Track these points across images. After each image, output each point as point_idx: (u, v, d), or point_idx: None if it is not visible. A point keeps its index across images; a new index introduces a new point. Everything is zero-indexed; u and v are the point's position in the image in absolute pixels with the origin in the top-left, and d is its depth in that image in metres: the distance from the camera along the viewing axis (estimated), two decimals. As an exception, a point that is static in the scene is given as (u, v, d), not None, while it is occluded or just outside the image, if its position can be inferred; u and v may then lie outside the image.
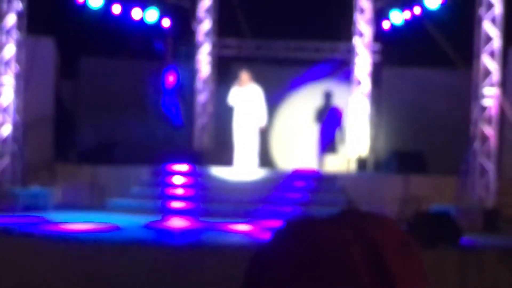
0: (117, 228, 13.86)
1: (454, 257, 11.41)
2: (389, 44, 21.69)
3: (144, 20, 21.12)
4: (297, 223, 1.82)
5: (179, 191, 17.18)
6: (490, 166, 15.33)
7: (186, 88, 21.85)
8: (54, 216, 15.45)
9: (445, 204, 15.09)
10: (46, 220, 14.58)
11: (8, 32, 16.73)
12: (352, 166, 20.36)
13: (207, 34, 21.92)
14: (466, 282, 11.33)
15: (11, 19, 16.69)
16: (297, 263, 1.71)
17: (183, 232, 14.21)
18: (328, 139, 20.05)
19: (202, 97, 21.80)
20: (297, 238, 1.77)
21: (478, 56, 15.47)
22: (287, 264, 1.71)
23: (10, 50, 16.74)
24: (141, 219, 15.12)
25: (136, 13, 20.89)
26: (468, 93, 15.83)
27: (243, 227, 14.62)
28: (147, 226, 14.38)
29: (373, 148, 21.74)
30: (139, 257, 11.29)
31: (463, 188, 15.51)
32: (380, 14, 21.29)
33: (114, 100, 20.65)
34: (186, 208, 16.42)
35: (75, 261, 11.32)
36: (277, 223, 14.97)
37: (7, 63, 16.76)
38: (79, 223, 14.17)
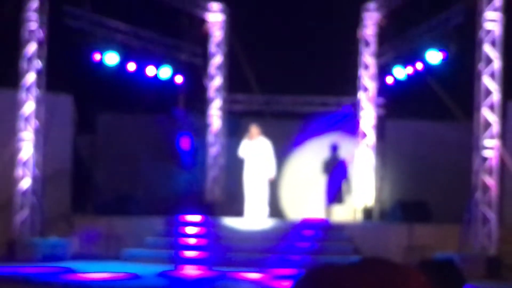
0: (135, 277, 13.89)
1: (458, 303, 11.39)
2: (392, 98, 21.79)
3: (158, 77, 21.28)
4: (319, 271, 1.86)
5: (192, 241, 17.18)
6: (492, 215, 15.34)
7: (198, 145, 21.96)
8: (72, 265, 15.50)
9: (448, 252, 15.09)
10: (65, 270, 14.62)
11: (28, 89, 16.90)
12: (359, 216, 20.41)
13: (218, 90, 22.11)
14: (470, 327, 11.31)
15: (31, 77, 16.87)
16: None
17: (196, 281, 14.21)
18: (335, 190, 20.09)
19: (213, 150, 21.92)
20: (320, 287, 1.80)
21: (478, 109, 15.55)
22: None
23: (30, 106, 16.89)
24: (156, 268, 15.15)
25: (150, 71, 21.05)
26: (469, 144, 15.89)
27: (254, 276, 14.62)
28: (162, 275, 14.41)
29: (378, 198, 21.80)
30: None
31: (466, 237, 15.50)
32: (383, 70, 21.42)
33: (129, 153, 20.77)
34: (199, 257, 16.41)
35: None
36: (287, 272, 15.00)
37: (27, 119, 16.91)
38: (97, 273, 14.20)
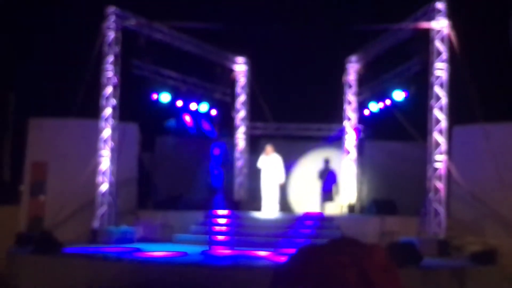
0: (184, 254, 13.93)
1: (417, 275, 11.39)
2: (368, 125, 21.84)
3: (198, 110, 21.40)
4: (306, 250, 1.91)
5: (222, 228, 17.20)
6: (441, 210, 15.32)
7: (228, 157, 21.99)
8: (138, 246, 15.57)
9: (410, 236, 15.05)
10: (133, 249, 14.69)
11: (106, 119, 17.03)
12: (345, 210, 20.39)
13: (242, 119, 22.21)
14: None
15: (108, 111, 17.01)
16: (305, 280, 1.77)
17: (224, 257, 14.19)
18: (327, 191, 20.11)
19: (239, 163, 22.01)
20: (305, 262, 1.84)
21: (431, 133, 15.56)
22: (297, 279, 1.78)
23: (107, 132, 17.02)
24: (197, 249, 15.19)
25: (193, 106, 21.18)
26: (424, 159, 15.87)
27: (267, 254, 14.61)
28: (202, 253, 14.44)
29: (358, 198, 21.80)
30: (199, 272, 11.38)
31: (422, 225, 15.47)
32: (362, 105, 21.50)
33: (179, 166, 20.85)
34: (227, 240, 16.42)
35: (156, 276, 11.41)
36: (292, 251, 14.99)
37: (105, 141, 17.03)
38: (156, 251, 14.26)
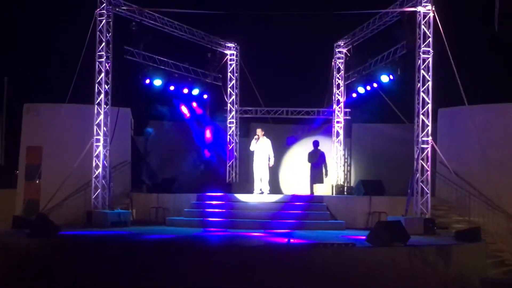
0: (179, 236, 13.84)
1: (404, 252, 11.45)
2: (356, 108, 21.89)
3: (191, 94, 21.38)
4: None
5: (215, 211, 17.18)
6: (427, 190, 15.39)
7: (219, 140, 22.01)
8: (132, 229, 15.55)
9: (397, 216, 15.11)
10: (127, 232, 14.66)
11: (98, 104, 16.96)
12: (334, 191, 20.42)
13: (233, 103, 22.15)
14: (413, 269, 11.38)
15: (101, 97, 16.93)
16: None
17: (217, 238, 14.15)
18: (317, 173, 20.11)
19: (230, 146, 21.98)
20: None
21: (418, 115, 15.59)
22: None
23: (100, 117, 16.95)
24: (190, 230, 15.18)
25: (185, 90, 21.16)
26: (411, 140, 15.92)
27: (258, 235, 14.60)
28: (196, 235, 14.41)
29: (347, 179, 21.88)
30: (193, 253, 11.37)
31: (409, 205, 15.54)
32: (350, 88, 21.54)
33: (171, 149, 20.81)
34: (220, 222, 16.40)
35: (151, 257, 11.39)
36: (283, 231, 14.99)
37: (99, 126, 16.98)
38: (150, 234, 14.21)
